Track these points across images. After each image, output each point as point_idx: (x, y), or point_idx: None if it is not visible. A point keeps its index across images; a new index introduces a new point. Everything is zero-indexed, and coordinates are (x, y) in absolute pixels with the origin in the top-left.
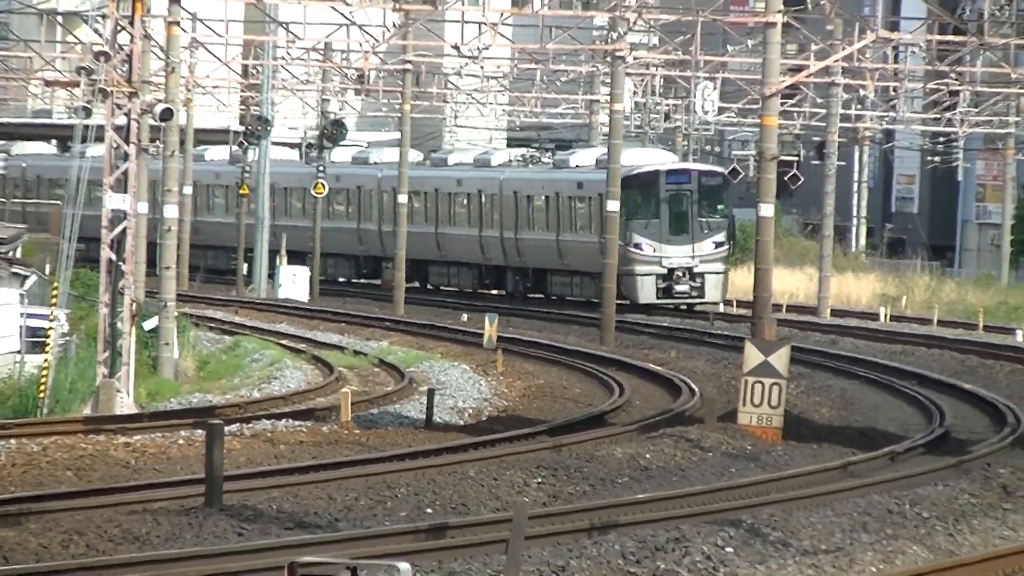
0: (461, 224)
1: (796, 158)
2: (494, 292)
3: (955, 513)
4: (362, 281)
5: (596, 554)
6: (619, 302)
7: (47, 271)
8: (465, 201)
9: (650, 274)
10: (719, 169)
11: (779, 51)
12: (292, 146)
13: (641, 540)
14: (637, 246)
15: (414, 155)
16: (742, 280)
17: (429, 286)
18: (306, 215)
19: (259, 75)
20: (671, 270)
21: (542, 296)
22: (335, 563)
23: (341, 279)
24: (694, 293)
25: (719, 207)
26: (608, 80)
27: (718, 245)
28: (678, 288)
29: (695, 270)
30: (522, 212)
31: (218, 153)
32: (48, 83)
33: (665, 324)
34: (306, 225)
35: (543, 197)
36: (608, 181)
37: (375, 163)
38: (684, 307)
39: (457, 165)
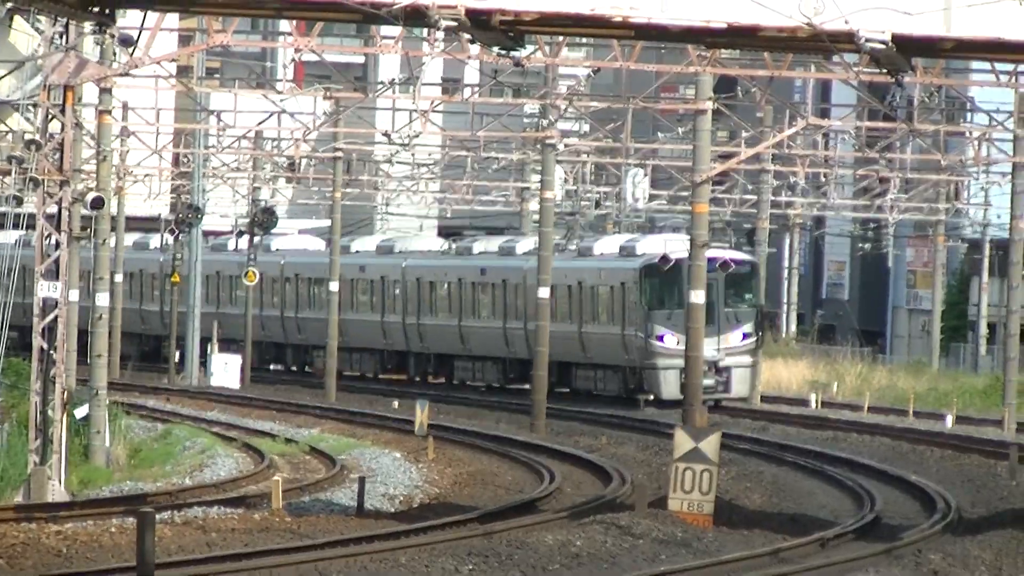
0: (486, 315)
1: (727, 245)
2: (519, 387)
3: None
4: (383, 376)
5: None
6: (643, 397)
7: None
8: (490, 291)
9: (673, 368)
10: (747, 257)
11: (709, 138)
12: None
13: None
14: (660, 338)
15: (437, 243)
16: None
17: (455, 381)
18: (235, 303)
19: (190, 163)
20: None
21: (568, 390)
22: None
23: (368, 374)
24: (720, 388)
25: (747, 296)
26: (539, 167)
27: (746, 336)
28: (704, 382)
29: (721, 364)
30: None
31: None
32: None
33: (595, 411)
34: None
35: (566, 287)
36: (539, 269)
37: (400, 252)
38: (711, 403)
39: (482, 254)
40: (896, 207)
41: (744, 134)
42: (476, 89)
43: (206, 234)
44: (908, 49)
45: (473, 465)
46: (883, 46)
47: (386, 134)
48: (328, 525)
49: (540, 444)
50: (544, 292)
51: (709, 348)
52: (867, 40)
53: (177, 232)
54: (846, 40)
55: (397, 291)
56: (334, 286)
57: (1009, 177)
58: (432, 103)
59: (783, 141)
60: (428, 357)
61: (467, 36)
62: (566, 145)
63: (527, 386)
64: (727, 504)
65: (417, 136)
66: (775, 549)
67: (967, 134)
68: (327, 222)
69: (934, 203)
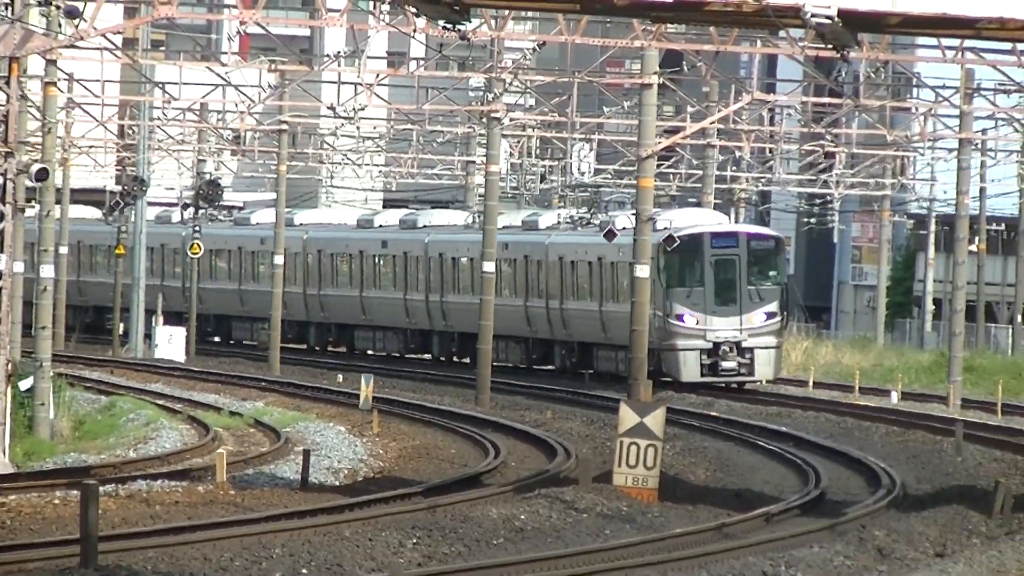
0: (507, 293)
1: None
2: (542, 368)
3: (830, 574)
4: (412, 357)
5: None
6: (664, 379)
7: None
8: (512, 267)
9: (693, 349)
10: (771, 232)
11: (655, 113)
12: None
13: None
14: (679, 317)
15: (459, 216)
16: None
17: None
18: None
19: (135, 135)
20: (717, 344)
21: (591, 371)
22: None
23: (395, 353)
24: (743, 370)
25: (771, 273)
26: (484, 141)
27: (770, 316)
28: (724, 365)
29: (743, 344)
30: (568, 279)
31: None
32: None
33: (541, 385)
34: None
35: (586, 264)
36: (484, 242)
37: (424, 227)
38: (734, 386)
39: (505, 228)
40: (842, 182)
41: (690, 109)
42: (421, 62)
43: (151, 204)
44: (854, 24)
45: (418, 439)
46: (829, 21)
47: (331, 107)
48: (272, 498)
49: (485, 418)
50: (489, 266)
51: (731, 328)
52: (813, 15)
53: (122, 204)
54: (792, 15)
55: (421, 267)
56: (279, 259)
57: (955, 153)
58: (377, 76)
59: (729, 116)
60: (452, 336)
61: (413, 9)
62: (511, 119)
63: (551, 367)
64: (672, 479)
65: (362, 109)
66: (720, 524)
67: (913, 110)
68: (272, 195)
69: (880, 178)
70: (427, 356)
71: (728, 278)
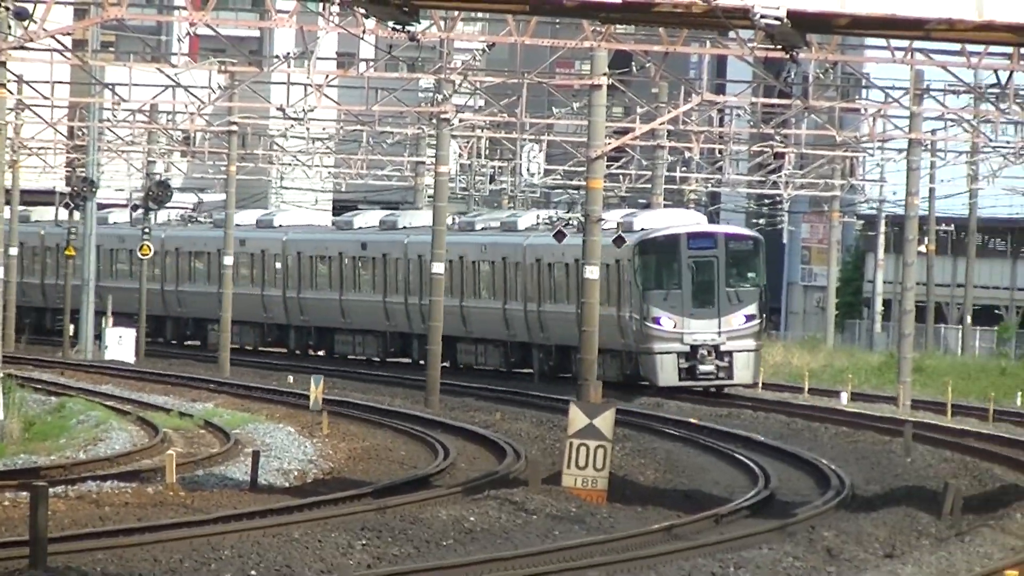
0: (486, 296)
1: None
2: (521, 371)
3: (779, 575)
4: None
5: None
6: (642, 383)
7: None
8: (490, 268)
9: (671, 352)
10: (750, 232)
11: (604, 114)
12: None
13: None
14: (656, 320)
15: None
16: None
17: (460, 365)
18: (132, 277)
19: (85, 136)
20: (694, 347)
21: (569, 376)
22: None
23: (375, 359)
24: (721, 374)
25: (750, 275)
26: (434, 142)
27: (749, 319)
28: (702, 368)
29: (722, 348)
30: (545, 282)
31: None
32: None
33: (489, 387)
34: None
35: (563, 266)
36: (433, 243)
37: (403, 228)
38: (712, 390)
39: (484, 230)
40: (791, 183)
41: (639, 110)
42: (371, 64)
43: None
44: (803, 25)
45: (367, 440)
46: (778, 22)
47: (281, 108)
48: (222, 500)
49: (435, 419)
50: (438, 268)
51: (709, 331)
52: (762, 16)
53: (71, 206)
54: (741, 16)
55: (400, 269)
56: (228, 260)
57: (904, 153)
58: (327, 77)
59: (678, 117)
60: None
61: (362, 10)
62: (461, 120)
63: (529, 370)
64: (621, 480)
65: (312, 110)
66: (669, 525)
67: (862, 110)
68: (222, 196)
69: (829, 179)
70: (407, 360)
71: (706, 280)
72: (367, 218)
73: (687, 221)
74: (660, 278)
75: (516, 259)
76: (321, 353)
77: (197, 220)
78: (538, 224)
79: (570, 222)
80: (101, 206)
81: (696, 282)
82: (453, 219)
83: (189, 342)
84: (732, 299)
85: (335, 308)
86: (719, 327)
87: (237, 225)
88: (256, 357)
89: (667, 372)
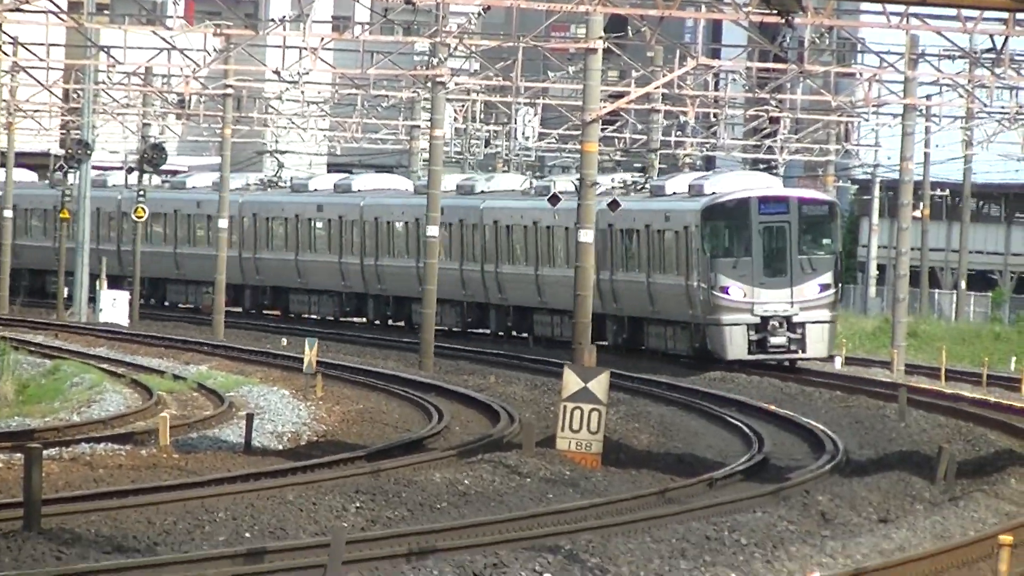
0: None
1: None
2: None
3: (773, 540)
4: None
5: None
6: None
7: None
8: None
9: (740, 324)
10: (825, 196)
11: (600, 77)
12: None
13: (459, 565)
14: (724, 290)
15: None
16: None
17: (529, 334)
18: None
19: (80, 99)
20: (765, 319)
21: (642, 348)
22: None
23: (329, 317)
24: (793, 347)
25: (824, 242)
26: (429, 106)
27: (823, 288)
28: (774, 341)
29: (794, 319)
30: (618, 250)
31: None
32: None
33: (484, 350)
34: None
35: (634, 232)
36: (428, 206)
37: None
38: (787, 364)
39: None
40: (786, 148)
41: (634, 74)
42: (367, 27)
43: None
44: None
45: (361, 403)
46: None
47: (276, 71)
48: (215, 462)
49: (429, 382)
50: (432, 231)
51: (781, 301)
52: None
53: (65, 168)
54: None
55: (477, 236)
56: (223, 223)
57: (899, 118)
58: (322, 41)
59: (673, 81)
60: (507, 310)
61: None
62: (456, 83)
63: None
64: (615, 444)
65: (307, 73)
66: (663, 489)
67: (857, 75)
68: (217, 159)
69: (824, 144)
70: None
71: (778, 247)
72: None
73: (758, 184)
74: (729, 245)
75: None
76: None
77: (277, 185)
78: (612, 188)
79: (644, 187)
80: (96, 168)
81: (767, 249)
82: (530, 183)
83: (268, 311)
84: (805, 267)
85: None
86: (791, 297)
87: (316, 190)
88: (249, 319)
89: (736, 345)
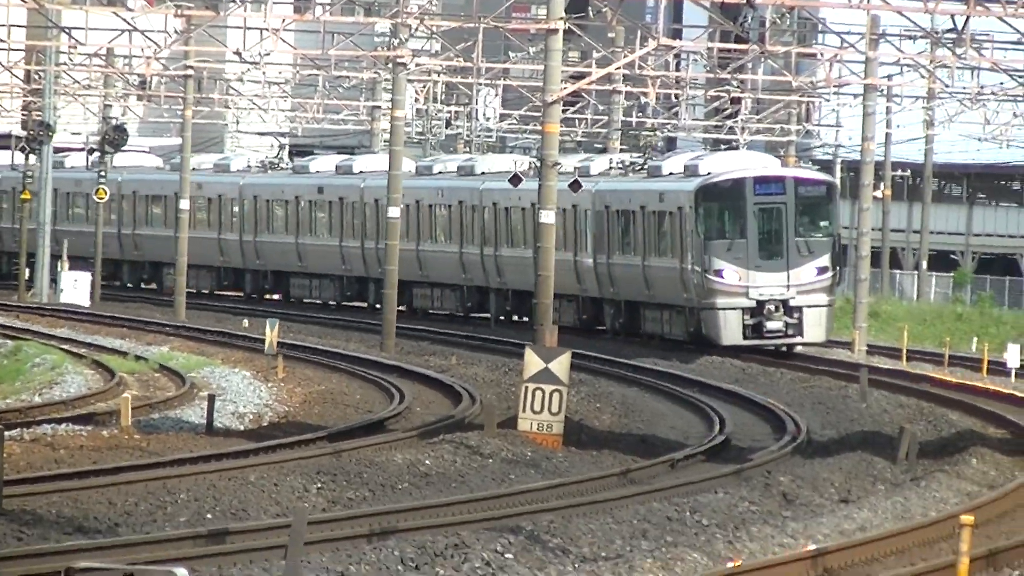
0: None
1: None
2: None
3: (735, 520)
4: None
5: (375, 560)
6: (695, 343)
7: None
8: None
9: (735, 308)
10: (823, 176)
11: (560, 58)
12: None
13: (420, 546)
14: (718, 273)
15: (510, 163)
16: None
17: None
18: (89, 221)
19: (41, 80)
20: (761, 303)
21: (639, 334)
22: (112, 568)
23: (331, 302)
24: (790, 331)
25: (822, 223)
26: (390, 87)
27: (821, 271)
28: (770, 326)
29: (791, 303)
30: (615, 232)
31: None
32: None
33: (445, 331)
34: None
35: (629, 213)
36: (389, 187)
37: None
38: (784, 349)
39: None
40: (747, 128)
41: (595, 54)
42: (328, 8)
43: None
44: None
45: (323, 384)
46: None
47: (237, 52)
48: (177, 443)
49: (390, 363)
50: (394, 212)
51: (777, 285)
52: None
53: (28, 149)
54: None
55: (475, 216)
56: (184, 204)
57: (860, 99)
58: (283, 21)
59: (634, 62)
60: (507, 294)
61: None
62: (417, 64)
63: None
64: (577, 425)
65: (268, 54)
66: (625, 470)
67: (818, 55)
68: (178, 140)
69: (785, 124)
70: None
71: (774, 228)
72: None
73: (753, 164)
74: (723, 227)
75: (586, 207)
76: (277, 297)
77: (279, 167)
78: (610, 169)
79: (642, 167)
80: (57, 150)
81: (763, 231)
82: (531, 166)
83: (268, 296)
84: (802, 250)
85: (412, 260)
86: (788, 280)
87: (317, 172)
88: (210, 300)
89: (731, 330)
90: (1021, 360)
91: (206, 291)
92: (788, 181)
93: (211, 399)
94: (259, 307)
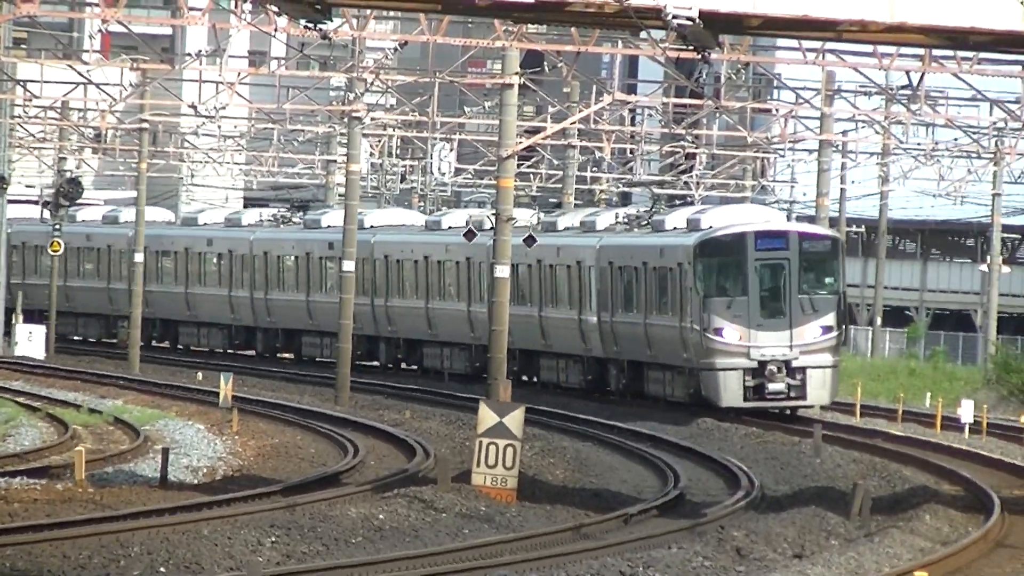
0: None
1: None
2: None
3: (688, 575)
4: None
5: None
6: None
7: None
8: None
9: (735, 368)
10: (828, 231)
11: (516, 113)
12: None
13: None
14: (718, 332)
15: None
16: None
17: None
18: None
19: None
20: (762, 363)
21: (640, 393)
22: None
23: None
24: (793, 394)
25: (827, 280)
26: (345, 140)
27: (826, 330)
28: (772, 387)
29: (794, 363)
30: (618, 289)
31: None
32: None
33: (399, 385)
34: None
35: (632, 269)
36: (344, 241)
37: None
38: (787, 412)
39: (566, 229)
40: (702, 183)
41: (551, 109)
42: (283, 62)
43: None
44: (715, 25)
45: (277, 438)
46: (690, 22)
47: (192, 106)
48: (131, 496)
49: (344, 417)
50: (348, 266)
51: (779, 345)
52: (674, 16)
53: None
54: (653, 16)
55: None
56: (139, 257)
57: (815, 154)
58: (239, 75)
59: (589, 116)
60: (514, 353)
61: (274, 8)
62: (372, 118)
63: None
64: (530, 479)
65: (223, 108)
66: (578, 525)
67: (774, 111)
68: (133, 193)
69: (740, 180)
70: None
71: (776, 286)
72: (453, 219)
73: (755, 218)
74: (723, 284)
75: (590, 263)
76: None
77: (291, 221)
78: (616, 224)
79: (648, 221)
80: (12, 203)
81: (765, 288)
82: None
83: (283, 355)
84: (806, 308)
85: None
86: (791, 340)
87: (329, 227)
88: (165, 354)
89: (731, 391)
90: (974, 416)
91: (219, 350)
92: (791, 236)
93: (165, 452)
94: (214, 360)
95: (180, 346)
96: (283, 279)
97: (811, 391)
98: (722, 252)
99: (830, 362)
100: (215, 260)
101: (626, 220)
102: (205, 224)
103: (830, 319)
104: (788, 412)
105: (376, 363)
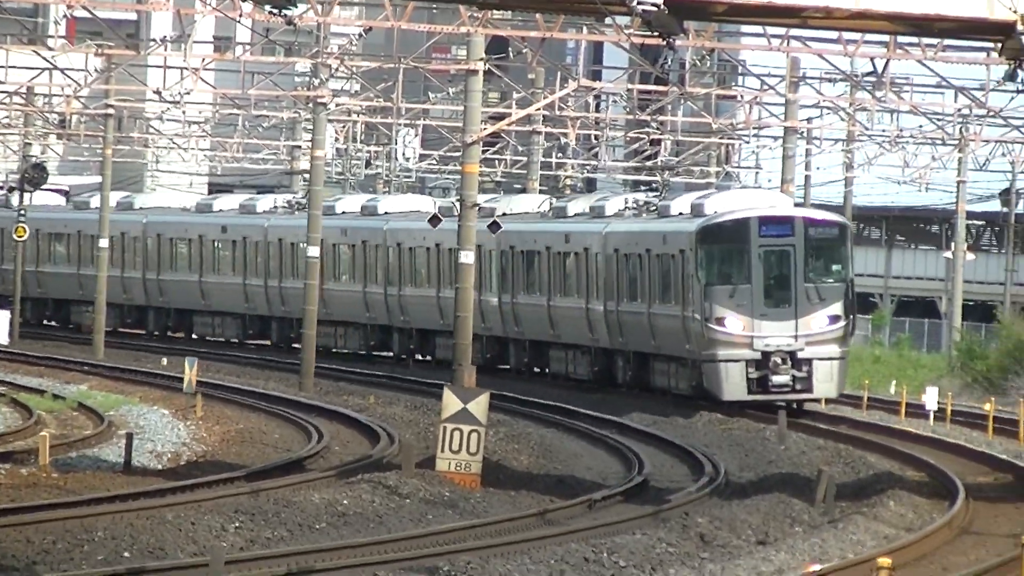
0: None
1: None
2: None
3: (652, 562)
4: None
5: None
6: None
7: None
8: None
9: (738, 360)
10: (836, 217)
11: (480, 99)
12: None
13: None
14: (720, 322)
15: (535, 203)
16: None
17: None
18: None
19: None
20: (766, 355)
21: (645, 390)
22: None
23: (234, 339)
24: (798, 386)
25: (835, 268)
26: (310, 126)
27: (833, 320)
28: (776, 379)
29: (800, 355)
30: (623, 277)
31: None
32: None
33: (364, 371)
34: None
35: (636, 256)
36: (309, 227)
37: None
38: (793, 405)
39: (576, 216)
40: (667, 170)
41: (515, 95)
42: (248, 47)
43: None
44: (680, 12)
45: (241, 423)
46: (655, 8)
47: (157, 91)
48: (95, 482)
49: (309, 403)
50: (313, 251)
51: (784, 335)
52: (639, 2)
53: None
54: (618, 2)
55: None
56: (104, 242)
57: (780, 141)
58: (203, 61)
59: (554, 103)
60: (524, 344)
61: None
62: (337, 104)
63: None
64: (495, 465)
65: (188, 93)
66: (542, 510)
67: (738, 97)
68: (98, 178)
69: (705, 166)
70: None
71: (781, 273)
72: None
73: (760, 203)
74: (726, 271)
75: (597, 250)
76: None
77: (305, 207)
78: (625, 209)
79: (656, 207)
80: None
81: (769, 276)
82: (549, 206)
83: (295, 345)
84: (812, 296)
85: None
86: (796, 330)
87: (343, 213)
88: (126, 339)
89: (733, 384)
90: (939, 403)
91: (235, 340)
92: (797, 221)
93: (129, 438)
94: (178, 346)
95: (195, 336)
96: (297, 266)
97: (817, 384)
98: (724, 238)
99: (838, 353)
100: (230, 247)
101: (635, 205)
102: (220, 211)
103: (837, 308)
104: (795, 406)
105: (390, 354)
